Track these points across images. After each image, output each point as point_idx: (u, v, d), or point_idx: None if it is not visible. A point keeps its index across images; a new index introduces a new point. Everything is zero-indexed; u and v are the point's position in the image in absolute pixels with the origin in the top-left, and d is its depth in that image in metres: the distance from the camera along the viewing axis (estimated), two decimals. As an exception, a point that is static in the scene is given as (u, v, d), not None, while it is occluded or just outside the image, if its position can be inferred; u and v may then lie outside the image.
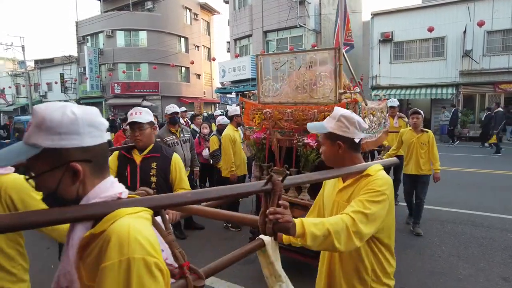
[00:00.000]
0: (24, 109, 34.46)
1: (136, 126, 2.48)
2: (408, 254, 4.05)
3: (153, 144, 2.61)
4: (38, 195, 1.49)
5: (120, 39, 28.82)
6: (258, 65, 3.37)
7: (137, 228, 0.80)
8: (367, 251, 1.53)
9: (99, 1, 30.56)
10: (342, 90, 3.06)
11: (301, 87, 3.19)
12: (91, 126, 0.86)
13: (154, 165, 2.55)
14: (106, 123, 0.92)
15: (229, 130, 4.98)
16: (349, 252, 1.51)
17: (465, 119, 16.38)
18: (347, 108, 2.81)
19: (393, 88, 17.99)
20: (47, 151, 0.81)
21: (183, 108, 9.36)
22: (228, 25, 24.60)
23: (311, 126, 1.71)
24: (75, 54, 32.28)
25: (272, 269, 1.71)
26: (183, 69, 30.93)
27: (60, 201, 0.86)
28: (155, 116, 9.08)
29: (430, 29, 14.50)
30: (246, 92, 3.87)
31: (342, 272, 1.59)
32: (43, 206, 1.34)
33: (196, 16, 32.25)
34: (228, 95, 25.29)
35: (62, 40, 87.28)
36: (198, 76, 33.23)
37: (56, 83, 31.61)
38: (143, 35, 28.79)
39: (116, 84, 28.38)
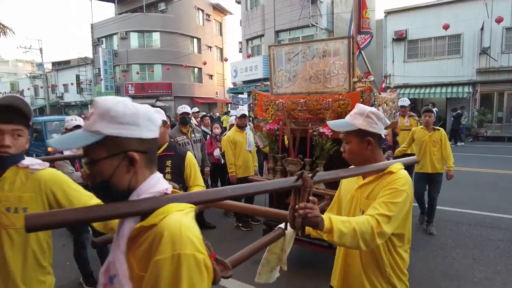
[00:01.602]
0: (42, 110, 35.37)
1: None
2: (421, 255, 3.98)
3: (167, 143, 2.65)
4: (78, 187, 1.58)
5: (134, 40, 29.26)
6: (270, 56, 3.34)
7: (187, 225, 0.84)
8: (383, 245, 1.55)
9: (113, 4, 31.09)
10: (356, 79, 3.05)
11: (314, 77, 3.17)
12: (149, 120, 0.92)
13: (169, 163, 2.58)
14: (160, 121, 0.99)
15: (231, 132, 5.05)
16: None
17: (483, 118, 15.97)
18: (362, 96, 2.86)
19: (407, 87, 17.69)
20: (108, 138, 0.86)
21: (196, 109, 9.42)
22: (240, 25, 24.67)
23: (334, 124, 1.67)
24: (91, 56, 32.95)
25: (281, 255, 1.80)
26: (196, 69, 31.18)
27: (111, 190, 0.89)
28: (168, 117, 9.16)
29: (446, 27, 14.19)
30: (258, 84, 3.91)
31: (361, 263, 1.60)
32: (85, 196, 1.55)
33: (209, 17, 32.45)
34: (240, 95, 25.32)
35: (78, 42, 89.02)
36: (211, 76, 33.43)
37: (72, 84, 32.38)
38: (156, 36, 29.17)
39: (130, 85, 28.84)
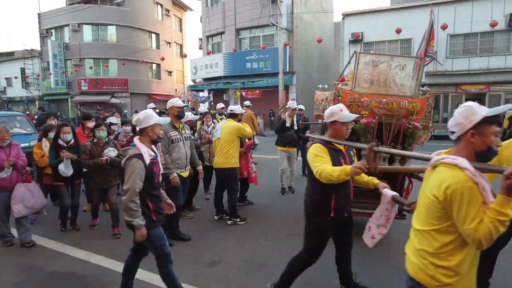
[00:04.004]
0: (-19, 106, 32.28)
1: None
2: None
3: None
4: None
5: (87, 33, 27.65)
6: (357, 60, 4.00)
7: None
8: None
9: (64, -7, 29.17)
10: (423, 88, 4.18)
11: (393, 83, 4.01)
12: None
13: (351, 152, 2.87)
14: None
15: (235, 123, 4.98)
16: None
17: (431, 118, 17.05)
18: (428, 101, 3.86)
19: (363, 88, 18.40)
20: None
21: (152, 105, 9.04)
22: (201, 21, 24.23)
23: None
24: (38, 48, 30.65)
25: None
26: (154, 65, 30.18)
27: None
28: (121, 115, 8.70)
29: (398, 31, 14.95)
30: (335, 83, 4.52)
31: None
32: None
33: (168, 12, 31.55)
34: (200, 93, 24.89)
35: (23, 32, 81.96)
36: (170, 73, 32.55)
37: (16, 78, 29.86)
38: (112, 30, 27.78)
39: (83, 81, 27.24)
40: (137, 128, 2.70)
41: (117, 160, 4.39)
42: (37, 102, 31.21)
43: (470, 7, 16.17)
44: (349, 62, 4.26)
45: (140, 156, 2.55)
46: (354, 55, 3.98)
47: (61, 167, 4.35)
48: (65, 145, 4.44)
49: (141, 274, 3.44)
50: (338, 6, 61.15)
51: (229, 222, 4.91)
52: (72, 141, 4.54)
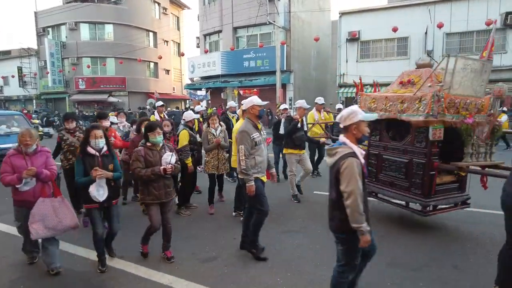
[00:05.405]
0: (-22, 104, 32.20)
1: None
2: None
3: None
4: None
5: (85, 32, 27.62)
6: (454, 66, 4.16)
7: None
8: None
9: (60, -9, 29.09)
10: (487, 89, 4.73)
11: (471, 84, 4.43)
12: None
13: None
14: None
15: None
16: None
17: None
18: (492, 100, 4.43)
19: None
20: None
21: (160, 103, 8.89)
22: (198, 20, 24.24)
23: None
24: (35, 47, 30.57)
25: None
26: (152, 64, 30.18)
27: None
28: (125, 113, 8.59)
29: (394, 29, 15.02)
30: (439, 86, 4.66)
31: None
32: None
33: (165, 11, 31.53)
34: (198, 92, 24.90)
35: (20, 31, 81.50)
36: (167, 71, 32.56)
37: (13, 77, 29.81)
38: (109, 28, 27.76)
39: (80, 79, 27.23)
40: (341, 125, 2.52)
41: (178, 166, 3.76)
42: (34, 101, 31.17)
43: (466, 5, 16.25)
44: (438, 65, 4.59)
45: (355, 155, 2.37)
46: (445, 59, 4.13)
47: (92, 190, 3.30)
48: (97, 154, 3.38)
49: (139, 270, 3.51)
50: (335, 4, 61.13)
51: (233, 213, 5.14)
52: (105, 148, 3.47)
